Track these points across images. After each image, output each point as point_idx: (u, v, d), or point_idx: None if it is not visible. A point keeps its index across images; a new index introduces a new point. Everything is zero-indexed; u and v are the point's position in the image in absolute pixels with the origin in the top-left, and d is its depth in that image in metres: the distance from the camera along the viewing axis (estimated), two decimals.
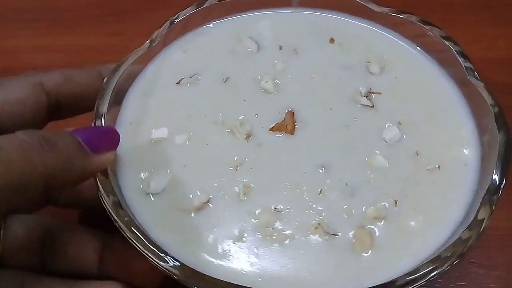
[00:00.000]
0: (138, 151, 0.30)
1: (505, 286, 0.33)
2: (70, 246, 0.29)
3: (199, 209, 0.28)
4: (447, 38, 0.32)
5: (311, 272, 0.26)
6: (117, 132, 0.27)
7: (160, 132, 0.31)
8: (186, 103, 0.32)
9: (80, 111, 0.32)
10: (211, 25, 0.36)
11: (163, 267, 0.24)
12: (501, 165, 0.27)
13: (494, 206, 0.25)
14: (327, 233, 0.27)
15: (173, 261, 0.24)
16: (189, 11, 0.34)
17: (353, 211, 0.28)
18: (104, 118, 0.29)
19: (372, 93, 0.32)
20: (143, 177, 0.29)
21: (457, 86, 0.32)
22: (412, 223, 0.27)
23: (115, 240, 0.28)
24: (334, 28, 0.36)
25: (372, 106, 0.32)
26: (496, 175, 0.26)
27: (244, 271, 0.26)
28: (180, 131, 0.31)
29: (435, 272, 0.24)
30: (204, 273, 0.24)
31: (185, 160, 0.30)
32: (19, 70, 0.43)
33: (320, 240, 0.27)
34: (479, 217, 0.25)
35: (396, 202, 0.28)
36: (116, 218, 0.26)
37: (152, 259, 0.24)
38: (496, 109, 0.29)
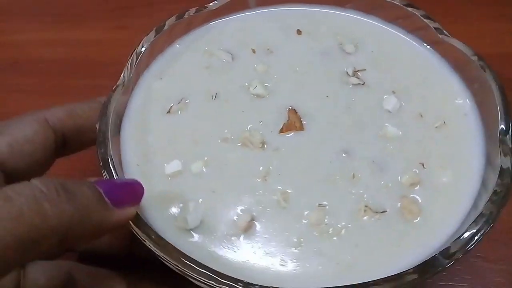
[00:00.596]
0: (159, 191, 0.28)
1: (511, 280, 0.33)
2: None
3: (246, 229, 0.27)
4: (409, 5, 0.34)
5: (378, 251, 0.26)
6: (141, 186, 0.25)
7: (174, 166, 0.29)
8: (186, 129, 0.31)
9: (85, 145, 0.31)
10: (177, 45, 0.35)
11: None
12: (504, 109, 0.29)
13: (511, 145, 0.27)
14: (376, 212, 0.27)
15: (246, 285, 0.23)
16: (151, 37, 0.33)
17: (390, 185, 0.28)
18: (112, 166, 0.27)
19: (358, 71, 0.33)
20: (175, 215, 0.27)
21: (432, 47, 0.34)
22: (444, 179, 0.29)
23: (140, 282, 0.28)
24: (296, 20, 0.36)
25: (364, 84, 0.32)
26: (502, 121, 0.28)
27: (319, 273, 0.26)
28: (194, 159, 0.29)
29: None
30: None
31: (211, 186, 0.28)
32: (26, 63, 0.46)
33: (373, 220, 0.27)
34: (504, 161, 0.27)
35: (423, 164, 0.29)
36: (176, 263, 0.24)
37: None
38: (476, 57, 0.31)
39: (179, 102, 0.32)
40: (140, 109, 0.32)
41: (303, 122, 0.31)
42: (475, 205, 0.27)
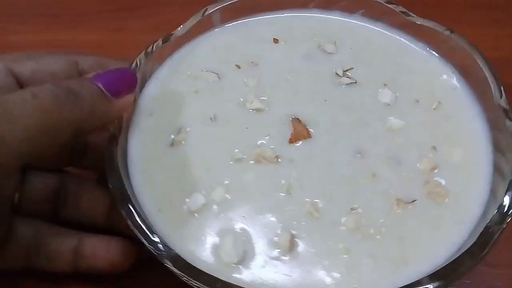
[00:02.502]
0: (193, 232, 0.27)
1: (510, 284, 0.33)
2: (82, 199, 0.30)
3: (290, 248, 0.26)
4: None
5: (423, 239, 0.27)
6: (134, 74, 0.29)
7: (196, 200, 0.28)
8: (195, 158, 0.29)
9: None
10: (156, 77, 0.33)
11: None
12: (490, 71, 0.30)
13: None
14: (408, 202, 0.28)
15: None
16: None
17: (411, 175, 0.29)
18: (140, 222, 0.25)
19: (347, 70, 0.33)
20: (218, 252, 0.26)
21: (404, 31, 0.35)
22: (457, 156, 0.30)
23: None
24: (267, 29, 0.36)
25: (356, 82, 0.33)
26: (494, 86, 0.30)
27: (376, 274, 0.25)
28: (212, 187, 0.28)
29: None
30: None
31: (240, 212, 0.27)
32: None
33: (407, 211, 0.27)
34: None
35: (435, 147, 0.30)
36: None
37: None
38: (448, 31, 0.33)
39: (179, 133, 0.30)
40: (141, 151, 0.30)
41: (309, 130, 0.30)
42: (497, 170, 0.28)
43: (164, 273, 0.25)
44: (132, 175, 0.28)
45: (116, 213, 0.26)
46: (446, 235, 0.27)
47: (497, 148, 0.29)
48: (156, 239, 0.25)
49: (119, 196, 0.26)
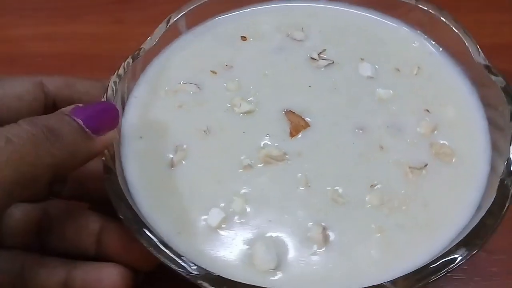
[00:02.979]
0: (218, 246, 0.26)
1: (506, 269, 0.33)
2: (68, 228, 0.29)
3: (325, 240, 0.26)
4: None
5: (445, 200, 0.27)
6: (116, 108, 0.26)
7: (216, 216, 0.27)
8: (202, 175, 0.28)
9: None
10: (135, 95, 0.31)
11: None
12: (459, 28, 0.31)
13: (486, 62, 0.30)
14: (420, 168, 0.28)
15: None
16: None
17: (415, 140, 0.29)
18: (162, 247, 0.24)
19: (321, 53, 0.33)
20: (252, 261, 0.25)
21: (366, 6, 0.35)
22: (450, 114, 0.30)
23: (113, 222, 0.28)
24: (232, 28, 0.35)
25: (333, 62, 0.33)
26: (468, 41, 0.31)
27: (414, 243, 0.26)
28: (229, 199, 0.27)
29: None
30: None
31: (264, 217, 0.27)
32: (22, 58, 0.46)
33: (422, 176, 0.28)
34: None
35: (428, 110, 0.30)
36: None
37: None
38: (413, 0, 0.33)
39: (176, 152, 0.29)
40: (142, 177, 0.28)
41: (305, 119, 0.30)
42: (492, 124, 0.29)
43: None
44: (139, 203, 0.27)
45: (108, 239, 0.26)
46: (463, 194, 0.27)
47: (487, 103, 0.30)
48: (187, 262, 0.24)
49: (135, 225, 0.25)
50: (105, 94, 0.29)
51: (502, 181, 0.26)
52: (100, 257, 0.28)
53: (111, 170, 0.26)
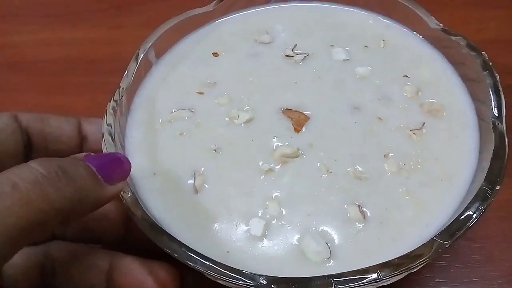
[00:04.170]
0: (271, 252, 0.27)
1: (488, 257, 0.33)
2: (75, 269, 0.28)
3: (364, 216, 0.27)
4: None
5: (454, 151, 0.30)
6: (128, 161, 0.26)
7: (257, 225, 0.27)
8: (229, 192, 0.29)
9: (51, 155, 0.27)
10: (130, 136, 0.31)
11: None
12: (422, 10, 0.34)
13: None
14: (420, 128, 0.30)
15: None
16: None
17: (406, 104, 0.32)
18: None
19: (293, 48, 0.35)
20: (306, 255, 0.26)
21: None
22: (427, 74, 0.33)
23: (123, 258, 0.28)
24: (203, 46, 0.36)
25: (308, 54, 0.34)
26: (427, 17, 0.34)
27: (442, 195, 0.28)
28: (264, 206, 0.28)
29: None
30: None
31: (303, 211, 0.28)
32: (23, 64, 0.48)
33: (424, 135, 0.30)
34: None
35: (406, 76, 0.33)
36: None
37: None
38: None
39: (195, 179, 0.29)
40: (170, 212, 0.28)
41: (303, 112, 0.31)
42: (465, 78, 0.32)
43: None
44: (176, 235, 0.26)
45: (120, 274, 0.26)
46: (463, 142, 0.30)
47: (453, 61, 0.33)
48: (252, 274, 0.24)
49: (186, 254, 0.25)
50: (104, 142, 0.28)
51: (494, 123, 0.28)
52: None
53: (139, 209, 0.26)
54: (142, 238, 0.27)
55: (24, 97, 0.46)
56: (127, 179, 0.27)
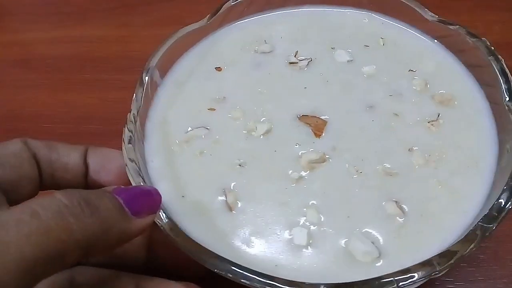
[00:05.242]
0: (319, 260, 0.26)
1: (493, 256, 0.33)
2: None
3: (403, 211, 0.27)
4: None
5: (471, 139, 0.30)
6: (159, 194, 0.26)
7: (301, 235, 0.27)
8: (264, 204, 0.28)
9: (57, 183, 0.28)
10: (152, 160, 0.30)
11: None
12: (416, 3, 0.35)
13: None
14: (436, 120, 0.31)
15: None
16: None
17: (417, 98, 0.32)
18: None
19: (296, 54, 0.35)
20: (351, 257, 0.26)
21: (311, 2, 0.38)
22: (432, 68, 0.34)
23: (150, 280, 0.27)
24: (204, 63, 0.35)
25: (311, 59, 0.35)
26: (421, 10, 0.35)
27: (471, 182, 0.28)
28: (302, 215, 0.28)
29: None
30: None
31: (342, 216, 0.27)
32: (34, 61, 0.49)
33: (441, 125, 0.31)
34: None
35: (411, 70, 0.34)
36: None
37: None
38: None
39: (226, 196, 0.28)
40: (208, 232, 0.27)
41: (320, 117, 0.31)
42: (468, 67, 0.33)
43: None
44: (222, 252, 0.25)
45: None
46: (481, 127, 0.31)
47: (454, 49, 0.34)
48: (311, 284, 0.23)
49: (238, 273, 0.24)
50: (129, 173, 0.27)
51: (508, 105, 0.29)
52: None
53: (179, 232, 0.25)
54: (166, 261, 0.27)
55: (33, 94, 0.46)
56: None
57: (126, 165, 0.27)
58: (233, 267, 0.24)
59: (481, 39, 0.32)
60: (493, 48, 0.31)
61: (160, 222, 0.25)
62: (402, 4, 0.35)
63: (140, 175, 0.27)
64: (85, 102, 0.45)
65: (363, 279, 0.24)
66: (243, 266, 0.24)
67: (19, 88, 0.47)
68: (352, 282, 0.23)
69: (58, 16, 0.54)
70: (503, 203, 0.25)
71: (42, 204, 0.20)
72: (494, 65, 0.30)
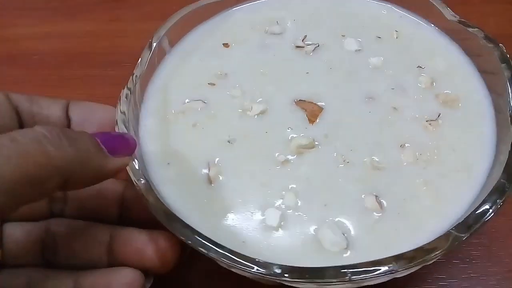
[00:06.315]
0: (287, 241, 0.26)
1: (486, 253, 0.33)
2: (76, 242, 0.28)
3: (381, 206, 0.27)
4: None
5: (468, 141, 0.29)
6: (134, 139, 0.27)
7: (273, 215, 0.27)
8: (244, 182, 0.28)
9: None
10: (145, 124, 0.31)
11: None
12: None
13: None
14: (435, 119, 0.30)
15: None
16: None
17: (420, 95, 0.31)
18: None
19: (303, 39, 0.35)
20: (319, 244, 0.26)
21: None
22: (441, 66, 0.33)
23: (123, 229, 0.28)
24: (213, 38, 0.35)
25: (318, 45, 0.34)
26: (440, 6, 0.33)
27: (459, 186, 0.27)
28: (279, 196, 0.28)
29: None
30: None
31: (319, 201, 0.27)
32: (20, 57, 0.47)
33: (441, 125, 0.30)
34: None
35: (420, 66, 0.33)
36: None
37: None
38: None
39: (209, 169, 0.29)
40: (184, 200, 0.28)
41: (316, 103, 0.31)
42: (480, 70, 0.32)
43: None
44: (193, 224, 0.26)
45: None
46: (480, 133, 0.29)
47: (470, 53, 0.33)
48: (266, 263, 0.24)
49: (202, 242, 0.24)
50: (117, 128, 0.28)
51: (511, 116, 0.28)
52: (113, 265, 0.28)
53: (151, 195, 0.26)
54: (139, 218, 0.28)
55: (21, 90, 0.43)
56: (139, 165, 0.27)
57: (117, 122, 0.28)
58: (195, 235, 0.24)
59: (498, 45, 0.30)
60: (508, 56, 0.30)
61: (137, 182, 0.26)
62: (426, 4, 0.34)
63: (126, 127, 0.28)
64: (73, 98, 0.41)
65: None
66: (205, 236, 0.24)
67: (5, 85, 0.45)
68: (304, 267, 0.23)
69: (45, 11, 0.52)
70: (480, 215, 0.24)
71: (21, 132, 0.21)
72: (505, 73, 0.29)
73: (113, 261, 0.27)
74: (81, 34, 0.49)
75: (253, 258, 0.24)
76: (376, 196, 0.27)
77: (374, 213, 0.27)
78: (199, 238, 0.24)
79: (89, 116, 0.29)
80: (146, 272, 0.27)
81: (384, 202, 0.27)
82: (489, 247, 0.33)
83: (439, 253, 0.24)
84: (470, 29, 0.32)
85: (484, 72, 0.32)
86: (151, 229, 0.27)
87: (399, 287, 0.31)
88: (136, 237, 0.27)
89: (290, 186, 0.28)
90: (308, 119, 0.30)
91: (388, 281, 0.25)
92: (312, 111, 0.31)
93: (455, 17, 0.33)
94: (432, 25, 0.35)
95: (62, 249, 0.28)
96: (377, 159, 0.29)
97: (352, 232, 0.26)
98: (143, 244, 0.27)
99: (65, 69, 0.46)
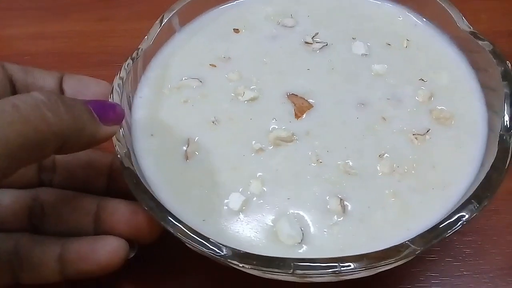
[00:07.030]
0: (243, 227, 0.27)
1: (479, 251, 0.33)
2: (63, 210, 0.29)
3: (344, 210, 0.27)
4: None
5: (453, 161, 0.29)
6: (121, 108, 0.28)
7: (236, 200, 0.28)
8: (217, 163, 0.29)
9: None
10: (140, 96, 0.32)
11: None
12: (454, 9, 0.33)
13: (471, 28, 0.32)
14: (424, 134, 0.30)
15: None
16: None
17: (415, 108, 0.31)
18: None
19: (314, 36, 0.35)
20: (279, 238, 0.26)
21: None
22: (445, 80, 0.32)
23: (110, 200, 0.29)
24: (226, 21, 0.36)
25: (327, 44, 0.34)
26: (459, 18, 0.32)
27: (428, 204, 0.27)
28: (247, 183, 0.28)
29: None
30: None
31: (283, 195, 0.28)
32: (10, 58, 0.43)
33: (427, 141, 0.29)
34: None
35: (422, 79, 0.32)
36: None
37: None
38: None
39: (188, 146, 0.30)
40: (159, 172, 0.29)
41: (308, 100, 0.31)
42: (484, 86, 0.31)
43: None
44: (160, 196, 0.27)
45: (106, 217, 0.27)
46: (466, 153, 0.29)
47: (477, 67, 0.32)
48: (217, 244, 0.24)
49: (162, 214, 0.25)
50: (111, 96, 0.29)
51: (501, 136, 0.27)
52: (99, 235, 0.29)
53: (129, 165, 0.27)
54: (125, 190, 0.28)
55: None
56: (127, 135, 0.28)
57: (113, 89, 0.29)
58: (158, 208, 0.25)
59: (505, 62, 0.29)
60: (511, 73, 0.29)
61: (118, 150, 0.27)
62: (441, 7, 0.33)
63: (120, 93, 0.29)
64: None
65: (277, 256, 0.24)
66: (167, 209, 0.25)
67: None
68: (251, 253, 0.24)
69: (35, 11, 0.51)
70: (440, 231, 0.24)
71: (21, 98, 0.22)
72: (504, 90, 0.28)
73: (99, 230, 0.29)
74: (71, 34, 0.48)
75: (206, 237, 0.25)
76: (341, 199, 0.27)
77: (335, 216, 0.27)
78: (160, 211, 0.25)
79: (82, 89, 0.30)
80: (131, 241, 0.28)
81: (349, 206, 0.27)
82: (482, 245, 0.33)
83: (388, 262, 0.24)
84: (480, 42, 0.31)
85: (486, 87, 0.31)
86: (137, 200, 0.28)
87: (391, 285, 0.31)
88: (122, 208, 0.28)
89: (258, 174, 0.28)
90: (295, 114, 0.31)
91: (378, 279, 0.24)
92: (300, 107, 0.31)
93: (469, 27, 0.32)
94: (446, 35, 0.34)
95: (49, 217, 0.29)
96: (351, 164, 0.28)
97: (310, 229, 0.27)
98: (128, 215, 0.28)
99: (56, 69, 0.43)
